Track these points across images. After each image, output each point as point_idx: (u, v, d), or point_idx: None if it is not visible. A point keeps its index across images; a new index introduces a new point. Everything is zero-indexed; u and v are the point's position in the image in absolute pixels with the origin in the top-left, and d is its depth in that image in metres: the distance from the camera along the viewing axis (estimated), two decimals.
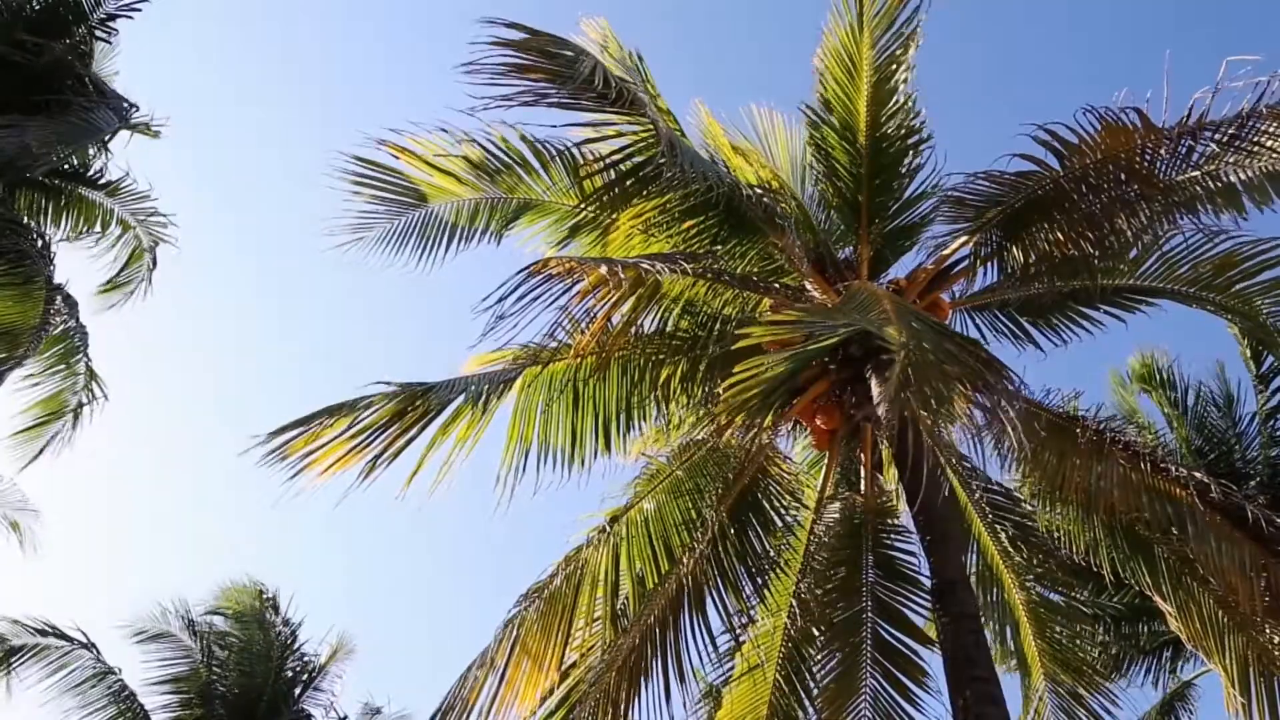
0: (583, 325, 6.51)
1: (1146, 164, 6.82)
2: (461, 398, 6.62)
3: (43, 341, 12.73)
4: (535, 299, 6.00)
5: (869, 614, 7.74)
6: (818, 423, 7.60)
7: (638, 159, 6.73)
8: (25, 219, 12.83)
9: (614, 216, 7.44)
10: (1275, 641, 7.15)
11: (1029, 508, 8.08)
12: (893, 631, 7.66)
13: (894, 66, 7.61)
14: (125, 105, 12.72)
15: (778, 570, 7.92)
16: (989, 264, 7.68)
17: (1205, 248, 7.21)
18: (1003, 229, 7.44)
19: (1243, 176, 6.76)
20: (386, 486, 6.45)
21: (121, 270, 13.65)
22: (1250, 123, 6.45)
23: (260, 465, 6.05)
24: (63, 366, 13.32)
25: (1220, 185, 6.82)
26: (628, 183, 6.93)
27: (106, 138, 12.75)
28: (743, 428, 7.00)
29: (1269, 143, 6.49)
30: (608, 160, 6.94)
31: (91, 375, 13.45)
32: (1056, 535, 7.86)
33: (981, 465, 7.98)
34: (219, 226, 27.51)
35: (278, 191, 28.91)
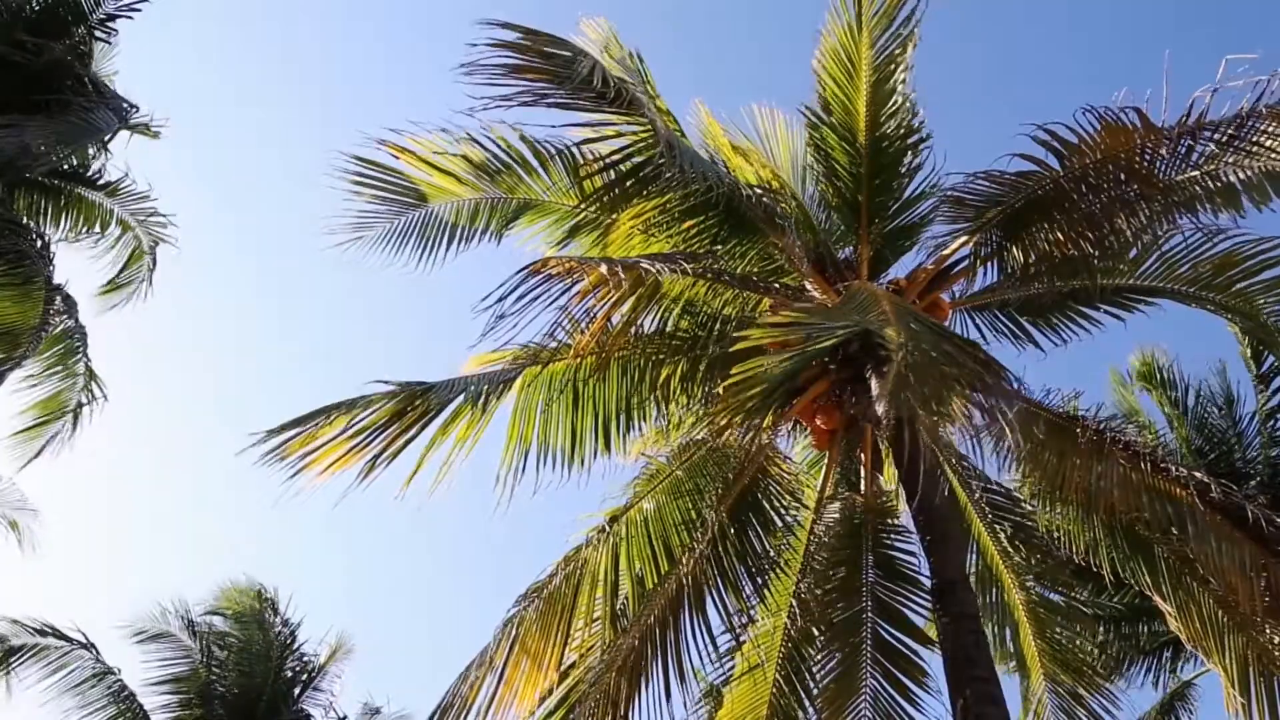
0: (582, 325, 6.50)
1: (1146, 164, 6.81)
2: (461, 397, 6.63)
3: (42, 342, 12.73)
4: (535, 299, 5.99)
5: (869, 614, 7.73)
6: (818, 423, 7.61)
7: (637, 159, 6.73)
8: (25, 219, 12.83)
9: (614, 216, 7.45)
10: (1275, 641, 7.14)
11: (1029, 508, 8.07)
12: (893, 631, 7.66)
13: (893, 66, 7.61)
14: (125, 105, 12.73)
15: (778, 570, 7.91)
16: (989, 264, 7.68)
17: (1205, 247, 7.21)
18: (1003, 229, 7.43)
19: (1242, 176, 6.75)
20: (386, 486, 6.46)
21: (121, 270, 13.67)
22: (1250, 122, 6.44)
23: (259, 465, 6.08)
24: (62, 367, 13.32)
25: (1220, 185, 6.82)
26: (627, 183, 6.93)
27: (106, 138, 12.75)
28: (742, 428, 6.99)
29: (1268, 142, 6.48)
30: (607, 160, 6.95)
31: (91, 375, 13.45)
32: (1056, 535, 7.85)
33: (981, 465, 7.99)
34: (219, 226, 27.53)
35: (278, 191, 28.94)
